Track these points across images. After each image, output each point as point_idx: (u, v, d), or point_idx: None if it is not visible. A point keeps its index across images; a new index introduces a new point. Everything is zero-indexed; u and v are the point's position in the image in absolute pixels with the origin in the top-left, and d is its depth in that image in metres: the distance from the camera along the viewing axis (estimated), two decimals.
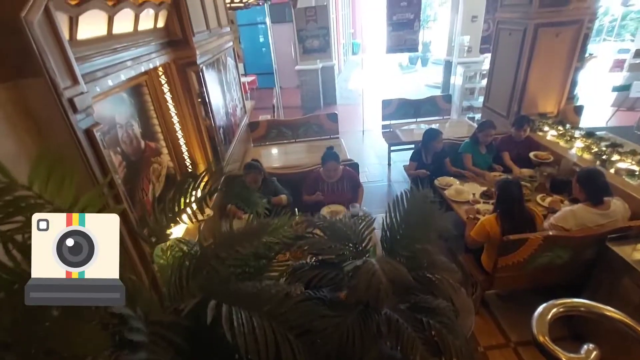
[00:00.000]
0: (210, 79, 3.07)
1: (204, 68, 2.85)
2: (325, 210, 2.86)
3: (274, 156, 4.25)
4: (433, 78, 10.50)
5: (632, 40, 9.47)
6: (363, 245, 1.12)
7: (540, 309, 1.09)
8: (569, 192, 2.77)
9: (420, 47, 13.80)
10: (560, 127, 3.45)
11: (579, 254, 2.27)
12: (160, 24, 2.38)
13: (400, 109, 5.07)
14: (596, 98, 7.07)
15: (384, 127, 5.14)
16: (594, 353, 0.96)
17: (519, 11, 3.62)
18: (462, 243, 2.70)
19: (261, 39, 10.13)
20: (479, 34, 6.46)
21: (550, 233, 2.25)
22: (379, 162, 5.38)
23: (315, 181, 3.04)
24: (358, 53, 17.32)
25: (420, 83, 10.72)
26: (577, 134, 3.26)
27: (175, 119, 2.75)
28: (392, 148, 4.95)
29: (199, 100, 2.79)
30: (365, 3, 15.92)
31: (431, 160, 3.44)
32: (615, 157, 2.81)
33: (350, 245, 1.09)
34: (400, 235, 1.13)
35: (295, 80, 8.88)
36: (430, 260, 1.11)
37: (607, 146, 2.92)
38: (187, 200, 1.92)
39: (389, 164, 5.16)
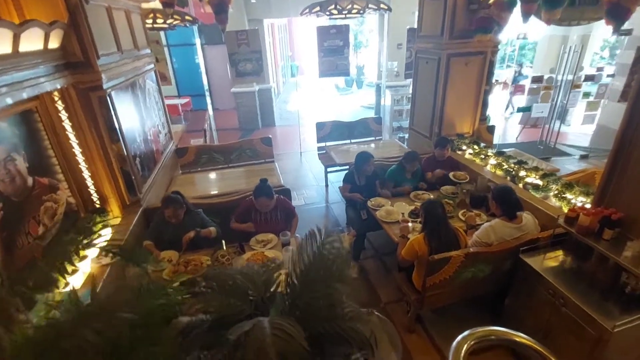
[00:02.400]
0: (124, 103, 2.81)
1: (112, 93, 2.58)
2: (255, 240, 2.71)
3: (205, 183, 3.99)
4: (368, 99, 11.01)
5: (531, 67, 10.96)
6: (269, 294, 1.00)
7: (453, 345, 1.07)
8: (486, 207, 2.97)
9: (353, 71, 14.56)
10: (475, 146, 3.74)
11: (498, 266, 2.40)
12: (54, 44, 2.11)
13: (335, 130, 5.16)
14: (505, 118, 7.97)
15: (319, 149, 5.17)
16: None
17: (433, 42, 3.94)
18: (396, 262, 2.72)
19: (197, 60, 9.81)
20: (404, 61, 6.94)
21: (472, 249, 2.36)
22: (317, 183, 5.37)
23: (247, 210, 2.88)
24: (297, 75, 17.68)
25: (356, 104, 11.17)
26: (490, 152, 3.56)
27: (77, 149, 2.43)
28: (329, 169, 4.98)
29: (107, 127, 2.50)
30: (301, 27, 16.42)
31: (364, 181, 3.49)
32: (522, 173, 3.09)
33: (252, 297, 0.97)
34: (306, 283, 1.03)
35: (233, 102, 8.68)
36: (341, 308, 1.03)
37: (514, 163, 3.21)
38: (87, 242, 1.64)
39: (327, 185, 5.17)
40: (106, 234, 2.49)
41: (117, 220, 2.69)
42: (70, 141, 2.39)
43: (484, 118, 4.48)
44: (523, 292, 2.36)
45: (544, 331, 2.19)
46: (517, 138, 6.98)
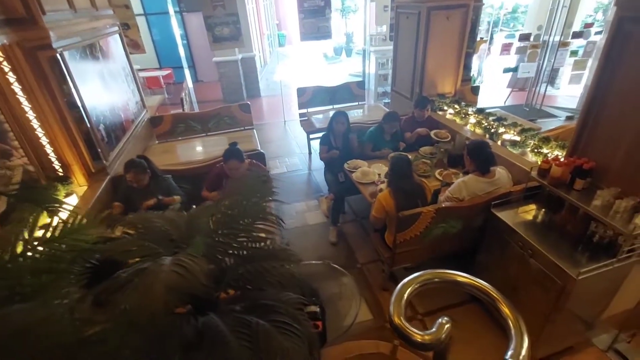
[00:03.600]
0: (81, 66, 2.64)
1: (66, 54, 2.42)
2: None
3: (181, 152, 3.88)
4: (357, 68, 10.70)
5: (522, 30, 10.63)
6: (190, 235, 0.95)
7: (396, 290, 1.04)
8: (463, 166, 2.91)
9: (342, 38, 14.05)
10: (456, 106, 3.64)
11: (469, 222, 2.38)
12: None
13: (316, 96, 5.00)
14: (495, 81, 7.80)
15: (301, 115, 5.03)
16: (446, 326, 0.93)
17: None
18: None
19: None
20: (389, 22, 6.66)
21: (445, 204, 2.32)
22: (300, 151, 5.28)
23: (218, 177, 2.80)
24: (285, 44, 17.08)
25: (345, 73, 10.88)
26: (470, 110, 3.46)
27: (30, 114, 2.30)
28: (311, 136, 4.87)
29: (61, 90, 2.37)
30: None
31: (340, 143, 3.40)
32: (501, 129, 3.02)
33: (172, 241, 0.91)
34: (229, 223, 0.97)
35: (216, 74, 8.39)
36: (268, 249, 0.98)
37: (494, 120, 3.13)
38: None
39: (310, 152, 5.09)
40: (72, 201, 2.42)
41: (83, 189, 2.60)
42: (22, 105, 2.26)
43: (467, 78, 4.35)
44: (494, 246, 2.36)
45: (512, 284, 2.20)
46: (505, 102, 6.85)
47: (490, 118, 3.18)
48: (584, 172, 1.99)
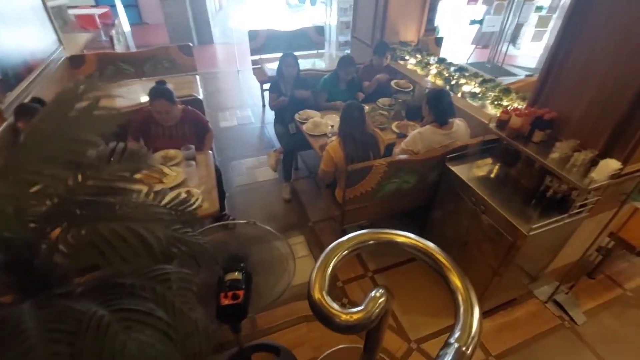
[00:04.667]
0: None
1: None
2: (158, 155, 2.29)
3: (108, 97, 3.34)
4: (322, 18, 9.96)
5: None
6: None
7: (322, 256, 0.82)
8: (422, 118, 2.73)
9: None
10: (418, 55, 3.38)
11: (424, 176, 2.23)
12: None
13: (270, 41, 4.51)
14: (460, 34, 7.58)
15: (253, 62, 4.54)
16: (380, 301, 0.74)
17: None
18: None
19: None
20: None
21: (399, 158, 2.13)
22: (253, 102, 4.85)
23: (145, 124, 2.38)
24: None
25: (309, 22, 10.11)
26: (432, 60, 3.23)
27: None
28: (264, 87, 4.44)
29: None
30: None
31: (290, 89, 3.05)
32: (462, 80, 2.83)
33: None
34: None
35: (162, 14, 7.39)
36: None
37: (455, 71, 2.93)
38: None
39: (263, 105, 4.68)
40: None
41: None
42: None
43: (431, 28, 4.07)
44: (447, 202, 2.25)
45: (463, 240, 2.12)
46: (467, 59, 6.70)
47: (452, 68, 2.97)
48: (545, 123, 1.86)
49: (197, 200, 1.90)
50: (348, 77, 3.06)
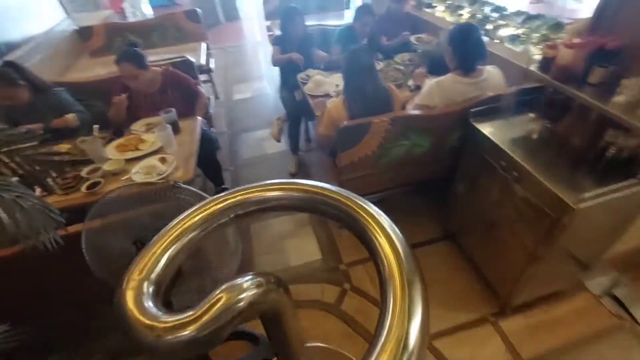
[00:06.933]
0: None
1: None
2: (138, 124, 2.10)
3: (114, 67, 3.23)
4: None
5: None
6: None
7: (148, 245, 0.50)
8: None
9: None
10: (449, 0, 2.83)
11: (441, 138, 1.81)
12: None
13: (285, 3, 4.11)
14: None
15: (268, 29, 4.20)
16: (217, 306, 0.42)
17: None
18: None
19: None
20: None
21: (407, 112, 1.73)
22: (270, 74, 4.55)
23: (124, 90, 2.18)
24: None
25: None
26: (464, 2, 2.67)
27: None
28: None
29: None
30: None
31: (296, 46, 2.70)
32: (501, 22, 2.28)
33: None
34: None
35: None
36: None
37: (491, 10, 2.37)
38: None
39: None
40: None
41: None
42: None
43: None
44: (470, 171, 1.81)
45: (490, 219, 1.69)
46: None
47: (487, 9, 2.42)
48: (606, 55, 1.35)
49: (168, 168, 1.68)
50: (365, 28, 2.62)
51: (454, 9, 2.66)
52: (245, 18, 7.77)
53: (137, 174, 1.66)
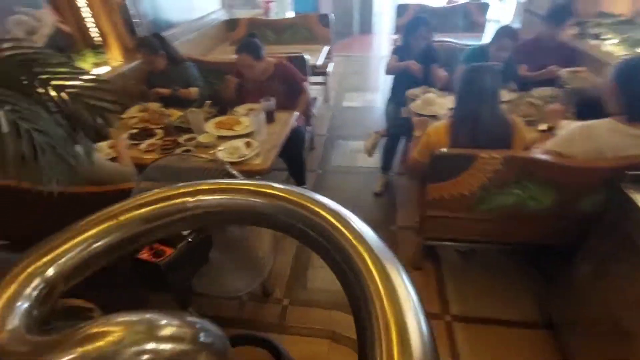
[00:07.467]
0: None
1: None
2: (242, 108, 2.20)
3: None
4: None
5: None
6: None
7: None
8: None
9: None
10: (626, 34, 2.22)
11: (570, 199, 1.37)
12: None
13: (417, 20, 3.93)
14: None
15: (394, 42, 4.07)
16: None
17: None
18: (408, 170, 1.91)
19: None
20: None
21: (531, 155, 1.36)
22: (386, 87, 4.42)
23: (237, 77, 2.33)
24: None
25: None
26: None
27: None
28: None
29: None
30: None
31: (415, 59, 2.48)
32: None
33: None
34: None
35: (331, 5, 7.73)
36: None
37: None
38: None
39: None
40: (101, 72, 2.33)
41: (117, 63, 2.49)
42: None
43: None
44: (606, 249, 1.32)
45: (623, 327, 1.20)
46: None
47: None
48: None
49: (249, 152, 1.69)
50: (503, 53, 2.23)
51: (634, 43, 2.07)
52: (378, 32, 7.86)
53: (222, 151, 1.71)
